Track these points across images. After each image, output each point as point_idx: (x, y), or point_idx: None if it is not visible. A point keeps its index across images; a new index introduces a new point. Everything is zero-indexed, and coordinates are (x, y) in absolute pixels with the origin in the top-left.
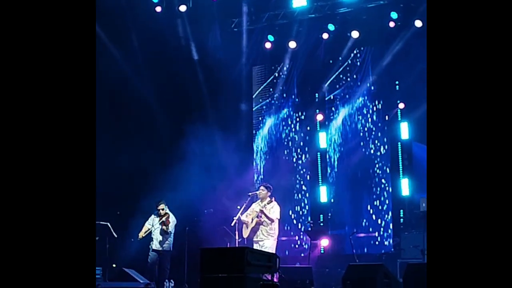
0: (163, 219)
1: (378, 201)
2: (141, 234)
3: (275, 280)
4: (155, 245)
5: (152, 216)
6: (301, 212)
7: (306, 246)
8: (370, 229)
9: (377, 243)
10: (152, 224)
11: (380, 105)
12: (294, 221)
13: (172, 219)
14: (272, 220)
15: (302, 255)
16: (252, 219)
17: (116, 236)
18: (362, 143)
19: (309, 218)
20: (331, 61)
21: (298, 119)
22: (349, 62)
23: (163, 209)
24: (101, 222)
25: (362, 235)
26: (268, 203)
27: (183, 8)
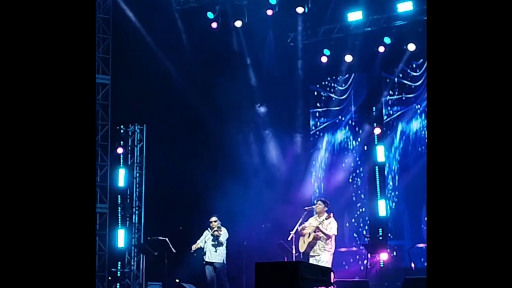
0: (215, 230)
1: None
2: (194, 246)
3: None
4: (207, 257)
5: (205, 231)
6: (359, 226)
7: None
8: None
9: None
10: (205, 238)
11: None
12: (354, 235)
13: (224, 231)
14: (329, 237)
15: (362, 268)
16: (310, 234)
17: (174, 251)
18: (421, 157)
19: (365, 232)
20: (388, 74)
21: (356, 133)
22: (407, 75)
23: (215, 221)
24: (160, 238)
25: (422, 245)
26: (326, 219)
27: (238, 23)
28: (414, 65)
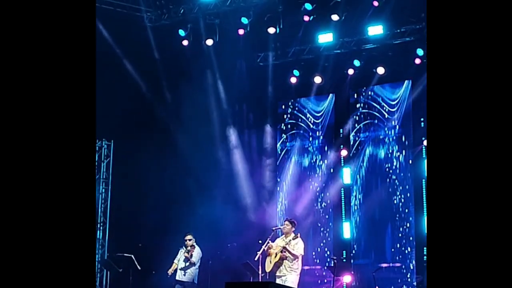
0: (188, 248)
1: (401, 239)
2: (170, 270)
3: None
4: (178, 275)
5: (180, 250)
6: (325, 247)
7: (328, 283)
8: (393, 268)
9: (399, 280)
10: (178, 257)
11: (405, 142)
12: (317, 257)
13: (197, 251)
14: (296, 257)
15: None
16: (276, 254)
17: (140, 268)
18: (386, 180)
19: (328, 253)
20: (356, 97)
21: (323, 154)
22: (375, 97)
23: (190, 240)
24: (125, 254)
25: (385, 265)
26: (293, 239)
27: (209, 42)
28: (382, 89)
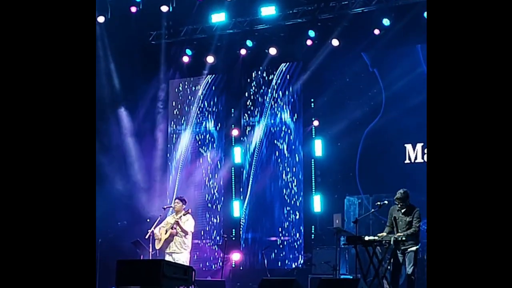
0: None
1: (290, 217)
2: None
3: None
4: None
5: None
6: (214, 225)
7: (218, 260)
8: (281, 246)
9: (288, 258)
10: None
11: (295, 122)
12: (207, 235)
13: None
14: (186, 232)
15: (215, 267)
16: (166, 231)
17: None
18: (276, 159)
19: (220, 232)
20: (248, 77)
21: (215, 133)
22: (266, 78)
23: None
24: None
25: (274, 238)
26: (183, 215)
27: (101, 19)
28: (274, 69)
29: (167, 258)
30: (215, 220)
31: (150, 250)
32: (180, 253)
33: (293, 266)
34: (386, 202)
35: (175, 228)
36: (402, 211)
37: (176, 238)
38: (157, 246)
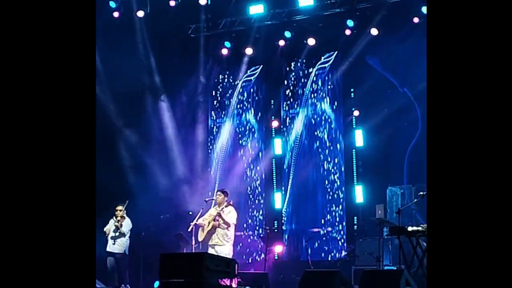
0: (118, 218)
1: (332, 208)
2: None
3: (233, 285)
4: (108, 246)
5: (111, 220)
6: (256, 219)
7: (260, 253)
8: (324, 238)
9: (330, 250)
10: (108, 226)
11: (336, 112)
12: (249, 227)
13: (127, 221)
14: (228, 224)
15: (258, 259)
16: (209, 223)
17: None
18: (318, 150)
19: (264, 224)
20: (287, 68)
21: (254, 126)
22: (305, 69)
23: (121, 210)
24: None
25: (316, 230)
26: (225, 207)
27: (140, 13)
28: (313, 60)
29: (210, 250)
30: (256, 213)
31: (193, 243)
32: (223, 245)
33: (336, 257)
34: None
35: (217, 220)
36: None
37: (219, 230)
38: (200, 238)
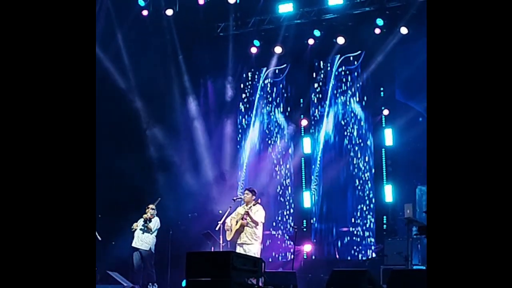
0: (148, 215)
1: (361, 207)
2: (134, 225)
3: (260, 284)
4: (134, 242)
5: (141, 218)
6: (285, 218)
7: (289, 252)
8: (353, 237)
9: (359, 249)
10: (137, 223)
11: (365, 111)
12: (278, 226)
13: (156, 220)
14: (256, 223)
15: (288, 258)
16: (237, 222)
17: (100, 239)
18: (347, 149)
19: (293, 223)
20: (316, 67)
21: (283, 124)
22: (335, 67)
23: (152, 209)
24: None
25: (345, 229)
26: (253, 206)
27: (169, 12)
28: (343, 58)
29: (238, 249)
30: (286, 211)
31: (221, 242)
32: (251, 244)
33: (365, 257)
34: None
35: (246, 219)
36: None
37: (247, 229)
38: (228, 237)
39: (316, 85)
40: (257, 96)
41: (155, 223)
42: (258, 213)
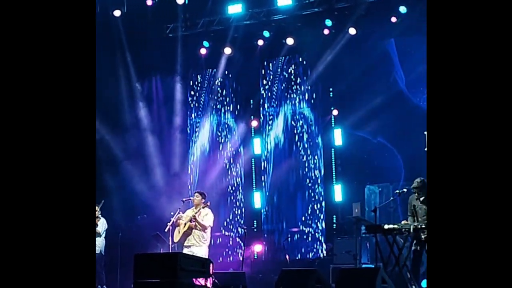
0: None
1: (311, 207)
2: None
3: (208, 285)
4: None
5: None
6: (236, 218)
7: (239, 252)
8: (304, 237)
9: (309, 248)
10: None
11: (314, 111)
12: (228, 227)
13: (102, 221)
14: (204, 227)
15: (238, 259)
16: (185, 224)
17: None
18: (297, 149)
19: (242, 222)
20: (266, 68)
21: (233, 125)
22: (284, 68)
23: (96, 210)
24: None
25: (295, 229)
26: (202, 208)
27: (117, 13)
28: (292, 59)
29: (186, 251)
30: (236, 212)
31: (170, 243)
32: (199, 247)
33: (316, 256)
34: (405, 190)
35: (193, 222)
36: (421, 199)
37: (195, 232)
38: (175, 239)
39: (265, 86)
40: (207, 97)
41: (101, 226)
42: (207, 217)
